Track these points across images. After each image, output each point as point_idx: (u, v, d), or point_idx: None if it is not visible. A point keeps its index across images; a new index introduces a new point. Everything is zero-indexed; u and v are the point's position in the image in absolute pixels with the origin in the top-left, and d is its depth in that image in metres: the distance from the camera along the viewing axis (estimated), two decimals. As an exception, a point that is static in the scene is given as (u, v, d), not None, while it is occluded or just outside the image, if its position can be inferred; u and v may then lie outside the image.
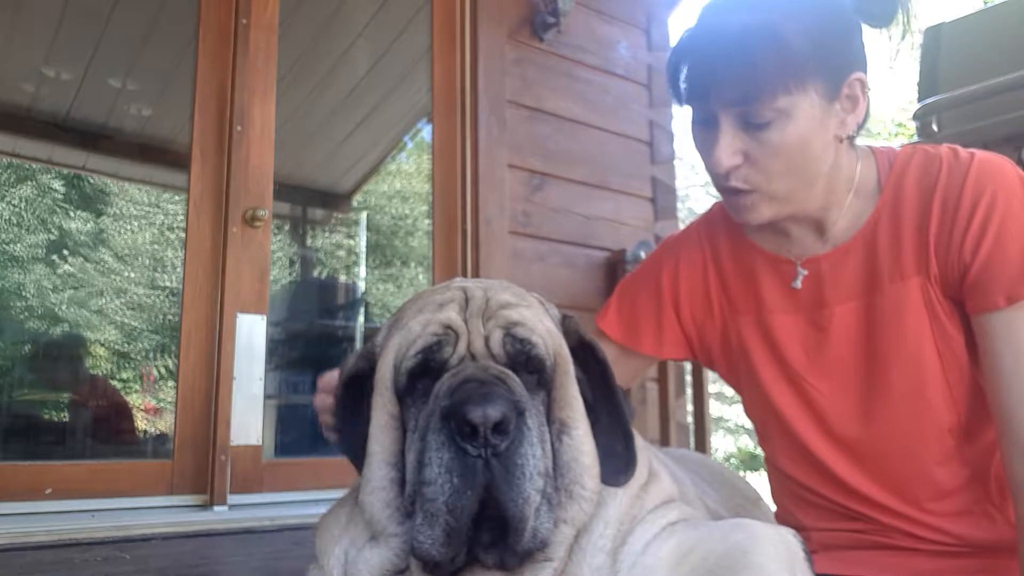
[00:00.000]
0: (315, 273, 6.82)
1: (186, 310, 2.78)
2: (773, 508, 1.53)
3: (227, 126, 2.92)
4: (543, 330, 1.00)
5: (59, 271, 5.78)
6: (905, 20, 1.29)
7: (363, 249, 7.01)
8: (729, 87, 1.18)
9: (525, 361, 0.97)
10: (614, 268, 3.79)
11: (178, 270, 3.10)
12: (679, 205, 4.46)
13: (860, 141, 1.35)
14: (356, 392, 1.04)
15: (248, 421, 2.79)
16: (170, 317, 5.65)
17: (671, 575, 0.96)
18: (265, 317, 2.89)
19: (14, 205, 5.65)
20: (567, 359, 1.01)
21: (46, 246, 5.80)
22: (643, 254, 3.66)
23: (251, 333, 2.84)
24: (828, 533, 1.36)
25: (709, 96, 1.21)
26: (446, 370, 0.95)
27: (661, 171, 4.17)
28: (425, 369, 0.96)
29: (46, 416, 5.01)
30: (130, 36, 4.51)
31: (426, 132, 4.68)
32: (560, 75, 3.87)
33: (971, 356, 1.24)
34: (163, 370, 5.80)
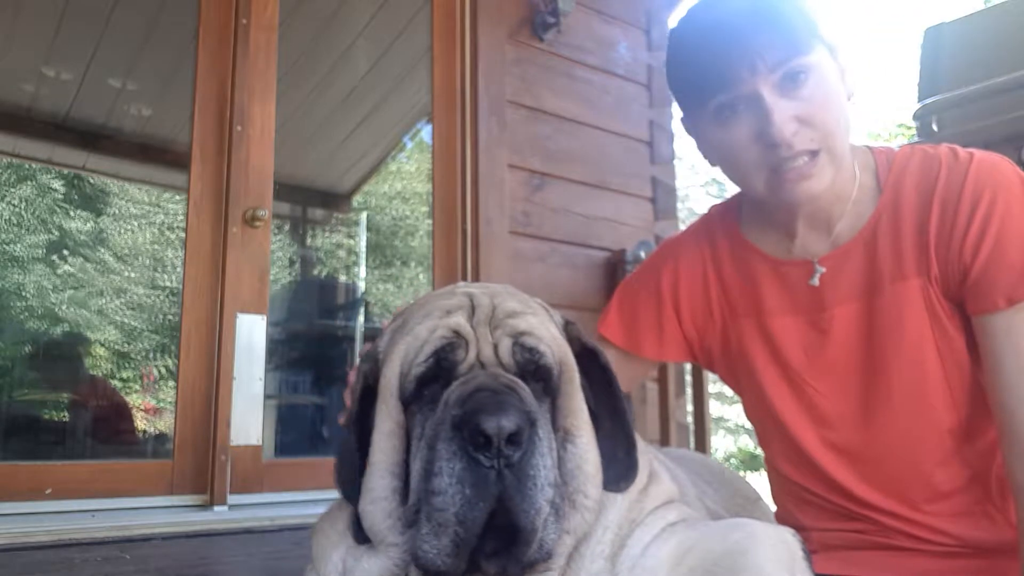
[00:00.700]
0: (315, 273, 6.82)
1: (186, 310, 2.78)
2: (773, 508, 1.53)
3: (227, 126, 2.92)
4: (550, 338, 0.99)
5: (59, 271, 5.78)
6: None
7: (363, 249, 7.01)
8: (770, 50, 1.17)
9: (534, 370, 0.96)
10: (614, 268, 3.79)
11: (178, 270, 3.10)
12: (679, 205, 4.46)
13: (859, 142, 1.36)
14: (366, 405, 1.02)
15: (248, 421, 2.79)
16: (170, 317, 5.65)
17: (670, 575, 0.96)
18: (265, 317, 2.89)
19: (14, 205, 5.65)
20: (572, 367, 1.00)
21: (46, 246, 5.80)
22: (643, 254, 3.66)
23: (251, 333, 2.84)
24: (828, 533, 1.36)
25: (747, 71, 1.18)
26: (455, 377, 0.93)
27: (661, 171, 4.17)
28: (434, 375, 0.94)
29: (46, 416, 5.01)
30: (130, 36, 4.50)
31: (426, 132, 4.68)
32: (560, 75, 3.87)
33: (972, 357, 1.24)
34: (163, 370, 5.80)
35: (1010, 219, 1.16)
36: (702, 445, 3.64)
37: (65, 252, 5.93)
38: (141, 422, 5.44)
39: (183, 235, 2.89)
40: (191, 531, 2.36)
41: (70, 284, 5.81)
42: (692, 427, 3.80)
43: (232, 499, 2.69)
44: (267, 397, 2.93)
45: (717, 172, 1.40)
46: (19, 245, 5.63)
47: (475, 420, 0.83)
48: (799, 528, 1.35)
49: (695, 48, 1.26)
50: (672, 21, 4.40)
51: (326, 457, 3.15)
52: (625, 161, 4.03)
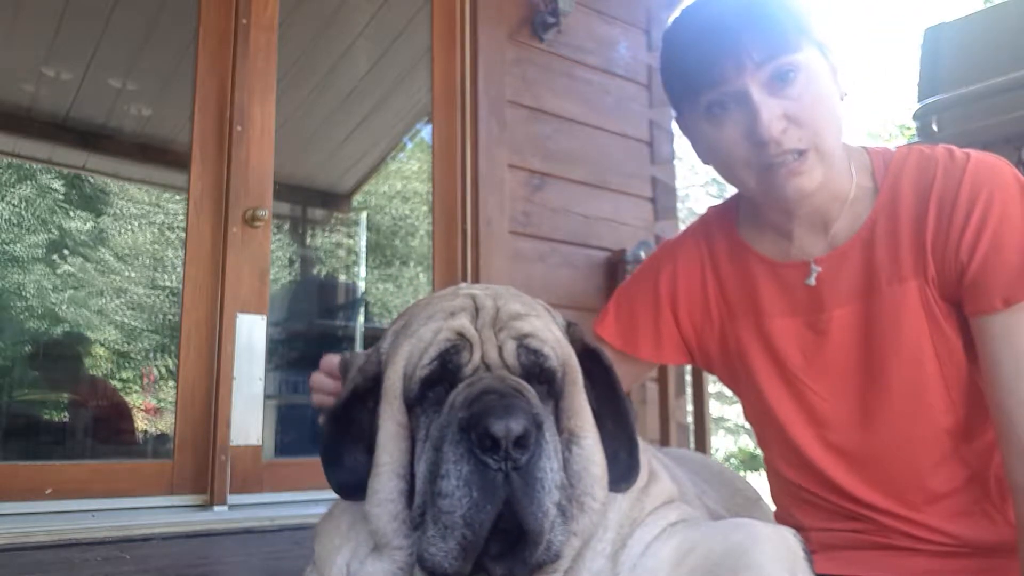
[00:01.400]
0: (315, 273, 6.82)
1: (186, 310, 2.78)
2: (773, 508, 1.53)
3: (227, 126, 2.92)
4: (554, 340, 0.99)
5: (59, 271, 5.78)
6: None
7: (363, 249, 7.01)
8: (757, 47, 1.18)
9: (539, 373, 0.95)
10: (614, 268, 3.79)
11: (178, 270, 3.10)
12: (679, 205, 4.46)
13: (859, 142, 1.36)
14: (357, 407, 1.01)
15: (248, 421, 2.79)
16: (170, 317, 5.65)
17: (671, 575, 0.96)
18: (265, 317, 2.89)
19: (14, 205, 5.66)
20: (576, 368, 1.00)
21: (46, 246, 5.80)
22: (643, 254, 3.66)
23: (251, 333, 2.84)
24: (828, 533, 1.36)
25: (735, 68, 1.19)
26: (460, 380, 0.93)
27: (661, 171, 4.17)
28: (439, 377, 0.94)
29: (46, 416, 5.01)
30: (130, 36, 4.51)
31: (426, 132, 4.67)
32: (560, 75, 3.87)
33: (969, 358, 1.24)
34: (163, 370, 5.80)
35: (1007, 220, 1.16)
36: (702, 445, 3.64)
37: (65, 252, 5.93)
38: (141, 422, 5.44)
39: (183, 235, 2.89)
40: (191, 531, 2.36)
41: (70, 284, 5.81)
42: (692, 427, 3.81)
43: (232, 499, 2.68)
44: (267, 397, 2.93)
45: (716, 172, 1.41)
46: (19, 245, 5.63)
47: (483, 423, 0.83)
48: (799, 528, 1.35)
49: (686, 47, 1.26)
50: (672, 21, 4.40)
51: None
52: (625, 161, 4.03)
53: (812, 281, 1.33)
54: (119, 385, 5.63)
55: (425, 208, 4.85)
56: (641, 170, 4.09)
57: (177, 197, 5.93)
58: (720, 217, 1.50)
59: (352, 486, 0.99)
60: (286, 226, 6.56)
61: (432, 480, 0.87)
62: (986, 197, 1.17)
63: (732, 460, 14.04)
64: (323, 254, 6.96)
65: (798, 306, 1.35)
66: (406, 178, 7.02)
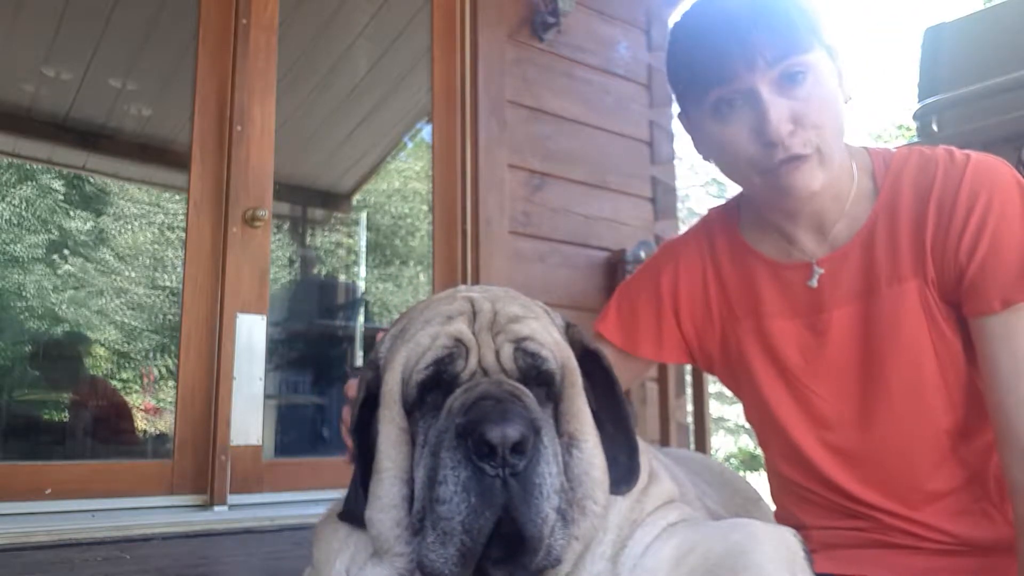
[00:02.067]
0: (315, 273, 6.83)
1: (186, 310, 2.78)
2: (773, 508, 1.53)
3: (227, 126, 2.92)
4: (552, 343, 0.98)
5: (59, 271, 5.78)
6: None
7: (363, 249, 7.01)
8: (769, 46, 1.17)
9: (536, 376, 0.95)
10: (614, 268, 3.79)
11: (178, 270, 3.10)
12: (679, 205, 4.46)
13: (859, 142, 1.36)
14: (369, 411, 1.00)
15: (248, 421, 2.79)
16: (170, 317, 5.65)
17: (671, 575, 0.96)
18: (265, 317, 2.89)
19: (14, 205, 5.66)
20: (575, 371, 0.99)
21: (46, 246, 5.81)
22: (643, 254, 3.66)
23: (251, 333, 2.84)
24: (828, 532, 1.36)
25: (746, 66, 1.18)
26: (457, 384, 0.92)
27: (661, 171, 4.17)
28: (436, 382, 0.93)
29: (46, 416, 5.02)
30: (130, 36, 4.51)
31: (426, 132, 4.68)
32: (560, 75, 3.87)
33: (968, 358, 1.24)
34: (163, 370, 5.80)
35: (1006, 221, 1.16)
36: (702, 445, 3.64)
37: (65, 252, 5.94)
38: (141, 422, 5.44)
39: (183, 235, 2.89)
40: (191, 531, 2.36)
41: (70, 284, 5.81)
42: (692, 427, 3.81)
43: (232, 499, 2.69)
44: (267, 397, 2.93)
45: (717, 172, 1.40)
46: (19, 245, 5.64)
47: (479, 429, 0.82)
48: (799, 527, 1.35)
49: (696, 42, 1.26)
50: (672, 21, 4.40)
51: (326, 457, 3.15)
52: (625, 161, 4.03)
53: (815, 283, 1.33)
54: (119, 385, 5.64)
55: (425, 208, 4.86)
56: (641, 170, 4.09)
57: (177, 197, 5.94)
58: (722, 218, 1.50)
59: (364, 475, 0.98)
60: (286, 226, 6.56)
61: (431, 485, 0.87)
62: (985, 198, 1.17)
63: (732, 460, 14.05)
64: (323, 254, 6.97)
65: (798, 307, 1.35)
66: (406, 178, 7.03)
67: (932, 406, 1.25)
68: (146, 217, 6.16)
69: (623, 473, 0.99)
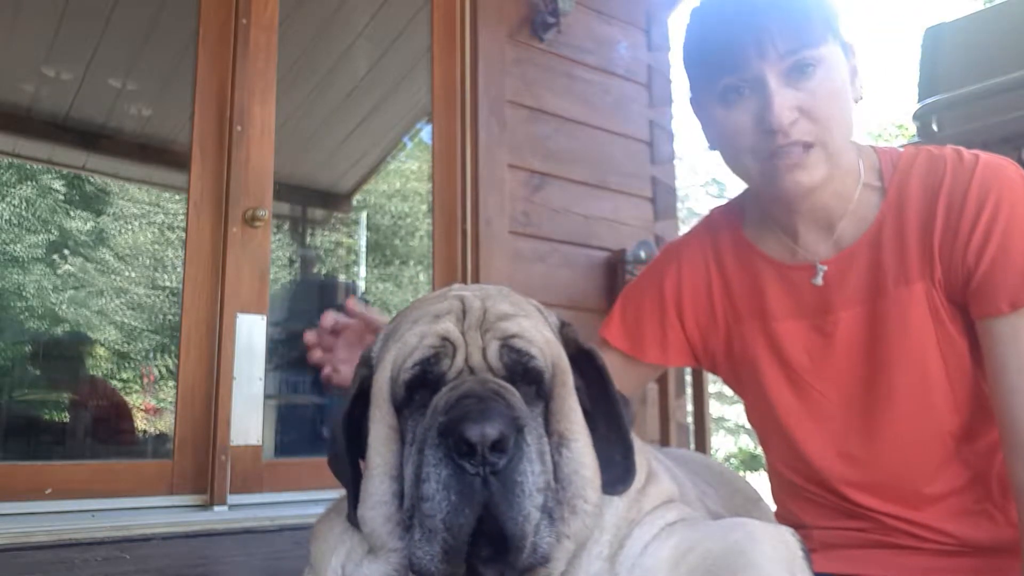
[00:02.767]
0: (315, 273, 6.82)
1: (186, 310, 2.78)
2: (773, 508, 1.53)
3: (227, 126, 2.92)
4: (542, 341, 0.98)
5: (59, 271, 5.78)
6: None
7: (363, 249, 7.01)
8: (783, 37, 1.17)
9: (523, 373, 0.94)
10: (614, 268, 3.79)
11: (178, 270, 3.10)
12: (679, 205, 4.46)
13: (861, 142, 1.36)
14: (359, 410, 1.02)
15: (248, 421, 2.79)
16: (170, 317, 5.65)
17: (670, 575, 0.96)
18: (265, 317, 2.89)
19: (14, 205, 5.66)
20: (566, 370, 0.99)
21: (46, 246, 5.81)
22: (643, 254, 3.66)
23: (251, 333, 2.84)
24: (830, 531, 1.36)
25: (757, 55, 1.18)
26: (444, 383, 0.93)
27: (661, 171, 4.17)
28: (423, 381, 0.94)
29: (46, 416, 5.01)
30: (130, 36, 4.51)
31: (426, 132, 4.68)
32: (560, 75, 3.87)
33: (974, 360, 1.24)
34: (163, 370, 5.80)
35: (1015, 223, 1.16)
36: (702, 445, 3.64)
37: (65, 252, 5.94)
38: (141, 422, 5.44)
39: (183, 235, 2.89)
40: (191, 531, 2.36)
41: (70, 284, 5.81)
42: (692, 427, 3.81)
43: (232, 499, 2.69)
44: (267, 397, 2.93)
45: (717, 172, 1.41)
46: (19, 245, 5.64)
47: (459, 428, 0.83)
48: (800, 526, 1.35)
49: (710, 29, 1.26)
50: (672, 21, 4.40)
51: (326, 457, 3.15)
52: (625, 161, 4.03)
53: (819, 281, 1.32)
54: (119, 385, 5.64)
55: (425, 208, 4.86)
56: (641, 170, 4.09)
57: (177, 197, 5.94)
58: (726, 217, 1.50)
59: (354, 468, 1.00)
60: (286, 226, 6.56)
61: (416, 483, 0.88)
62: (994, 200, 1.17)
63: (732, 460, 14.05)
64: (323, 254, 6.97)
65: (804, 308, 1.35)
66: (406, 178, 7.03)
67: (937, 408, 1.24)
68: (146, 217, 6.16)
69: (619, 473, 0.99)
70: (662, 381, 3.72)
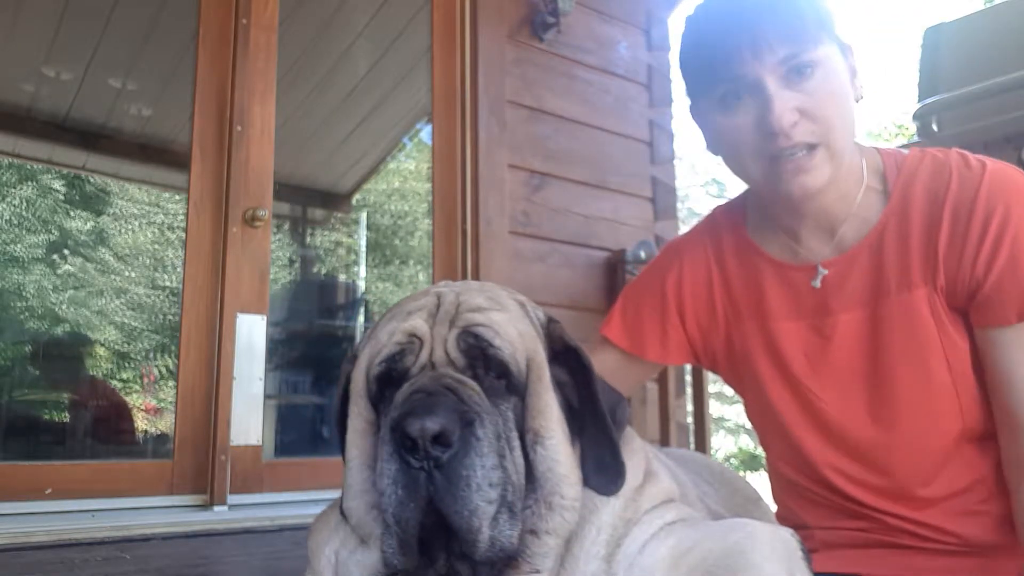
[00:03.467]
0: (315, 273, 6.83)
1: (186, 310, 2.78)
2: (774, 508, 1.53)
3: (227, 126, 2.92)
4: (513, 334, 0.97)
5: (59, 271, 5.78)
6: None
7: (363, 249, 7.01)
8: (778, 40, 1.18)
9: (485, 362, 0.95)
10: (614, 268, 3.79)
11: (178, 270, 3.10)
12: (679, 205, 4.46)
13: (864, 143, 1.36)
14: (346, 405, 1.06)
15: (248, 421, 2.79)
16: (170, 317, 5.65)
17: (669, 575, 0.96)
18: (265, 317, 2.89)
19: (14, 205, 5.66)
20: (542, 365, 0.99)
21: (46, 246, 5.81)
22: (643, 254, 3.66)
23: (251, 333, 2.84)
24: (832, 531, 1.36)
25: (753, 59, 1.18)
26: (408, 379, 0.95)
27: (661, 171, 4.17)
28: (389, 377, 0.96)
29: (46, 416, 5.01)
30: (130, 36, 4.51)
31: (426, 132, 4.68)
32: (560, 75, 3.87)
33: (974, 362, 1.24)
34: (163, 370, 5.80)
35: (1023, 235, 1.16)
36: (702, 445, 3.64)
37: (65, 252, 5.94)
38: (141, 422, 5.44)
39: (183, 235, 2.89)
40: (191, 531, 2.36)
41: (70, 284, 5.81)
42: (692, 427, 3.80)
43: (232, 499, 2.69)
44: (267, 397, 2.93)
45: (717, 172, 1.41)
46: (19, 245, 5.64)
47: (402, 423, 0.85)
48: (802, 526, 1.35)
49: (706, 35, 1.26)
50: (672, 21, 4.40)
51: (326, 457, 3.15)
52: (625, 161, 4.03)
53: (818, 283, 1.32)
54: (119, 385, 5.64)
55: (425, 208, 4.86)
56: (641, 170, 4.09)
57: (177, 197, 5.94)
58: (728, 217, 1.49)
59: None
60: (286, 226, 6.56)
61: (380, 478, 0.91)
62: (1003, 210, 1.16)
63: (732, 460, 14.04)
64: (323, 254, 6.97)
65: (804, 309, 1.34)
66: (406, 178, 7.03)
67: (942, 410, 1.24)
68: (146, 217, 6.16)
69: (611, 474, 0.99)
70: (662, 381, 3.72)
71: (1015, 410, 1.16)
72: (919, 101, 3.03)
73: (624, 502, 1.01)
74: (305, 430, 4.97)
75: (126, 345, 5.88)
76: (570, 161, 3.82)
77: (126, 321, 5.87)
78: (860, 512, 1.32)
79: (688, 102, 1.36)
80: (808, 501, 1.40)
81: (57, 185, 5.87)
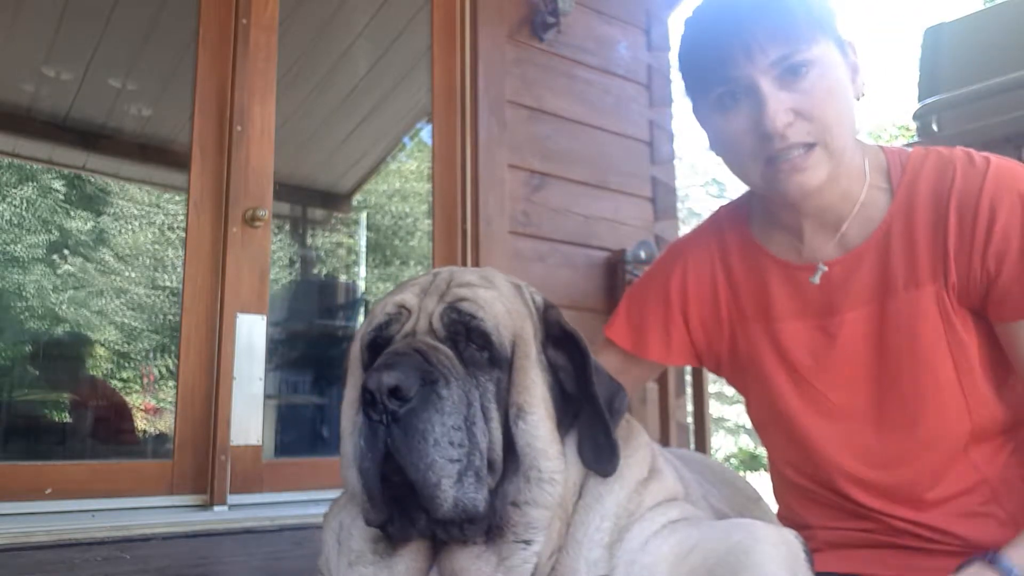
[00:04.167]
0: (315, 273, 6.83)
1: (186, 310, 2.78)
2: (774, 508, 1.53)
3: (227, 126, 2.92)
4: (499, 310, 1.01)
5: (59, 271, 5.78)
6: None
7: (363, 249, 7.01)
8: (770, 41, 1.18)
9: (467, 333, 0.98)
10: (614, 268, 3.79)
11: (178, 270, 3.10)
12: (679, 205, 4.46)
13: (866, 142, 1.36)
14: None
15: (248, 421, 2.79)
16: (170, 317, 5.65)
17: (671, 574, 0.96)
18: (265, 317, 2.89)
19: (14, 205, 5.66)
20: (529, 343, 1.02)
21: (46, 246, 5.80)
22: (643, 254, 3.66)
23: (251, 333, 2.84)
24: (834, 532, 1.35)
25: (746, 61, 1.18)
26: (392, 345, 0.99)
27: (661, 171, 4.17)
28: (376, 345, 1.01)
29: (46, 416, 5.01)
30: (130, 36, 4.51)
31: (426, 132, 4.68)
32: (560, 75, 3.87)
33: (980, 361, 1.24)
34: (163, 370, 5.80)
35: None
36: (702, 445, 3.64)
37: (65, 252, 5.93)
38: (141, 422, 5.44)
39: (183, 235, 2.89)
40: (191, 531, 2.36)
41: (70, 284, 5.81)
42: (692, 427, 3.81)
43: (232, 499, 2.68)
44: (267, 397, 2.93)
45: (717, 172, 1.41)
46: (19, 245, 5.63)
47: (365, 379, 0.90)
48: (804, 526, 1.35)
49: (700, 38, 1.26)
50: (672, 21, 4.41)
51: (326, 457, 3.15)
52: (625, 161, 4.03)
53: (816, 280, 1.32)
54: (119, 385, 5.64)
55: (425, 208, 4.86)
56: (641, 170, 4.09)
57: (177, 197, 5.94)
58: (732, 216, 1.49)
59: None
60: (286, 226, 6.56)
61: None
62: (1010, 203, 1.16)
63: (732, 460, 14.05)
64: (323, 254, 6.97)
65: (809, 308, 1.34)
66: (406, 178, 7.03)
67: (947, 410, 1.24)
68: (146, 217, 6.16)
69: (605, 454, 1.02)
70: (662, 381, 3.72)
71: None
72: (919, 101, 3.03)
73: (628, 493, 1.02)
74: (305, 430, 4.97)
75: (126, 345, 5.88)
76: (570, 161, 3.82)
77: (126, 321, 5.87)
78: (864, 513, 1.32)
79: (690, 103, 1.37)
80: (811, 501, 1.40)
81: (57, 185, 5.87)
